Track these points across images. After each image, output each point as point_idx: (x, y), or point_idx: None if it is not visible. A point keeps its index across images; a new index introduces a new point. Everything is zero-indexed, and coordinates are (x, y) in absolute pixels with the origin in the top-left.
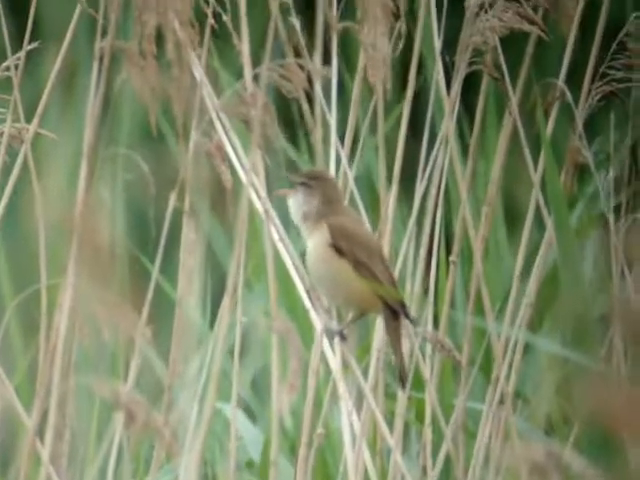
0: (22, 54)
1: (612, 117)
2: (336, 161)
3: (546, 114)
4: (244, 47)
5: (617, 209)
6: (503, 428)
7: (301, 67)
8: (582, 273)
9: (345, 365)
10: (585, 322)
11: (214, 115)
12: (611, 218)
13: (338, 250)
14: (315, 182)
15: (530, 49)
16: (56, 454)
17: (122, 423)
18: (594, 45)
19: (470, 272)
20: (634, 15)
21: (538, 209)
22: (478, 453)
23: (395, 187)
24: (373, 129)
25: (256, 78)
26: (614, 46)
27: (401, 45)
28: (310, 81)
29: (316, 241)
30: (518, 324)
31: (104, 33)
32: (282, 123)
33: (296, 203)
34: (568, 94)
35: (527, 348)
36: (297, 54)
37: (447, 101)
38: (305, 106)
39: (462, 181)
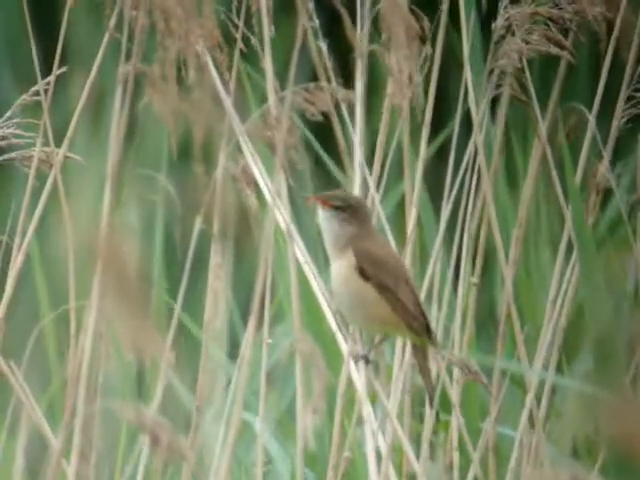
0: (52, 78)
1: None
2: (362, 183)
3: (568, 138)
4: (268, 70)
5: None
6: (533, 453)
7: (324, 90)
8: (606, 298)
9: (371, 389)
10: (610, 347)
11: (240, 139)
12: (634, 241)
13: (363, 274)
14: (352, 209)
15: (560, 73)
16: (82, 476)
17: (147, 446)
18: (627, 68)
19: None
20: None
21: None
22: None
23: (414, 209)
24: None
25: (282, 101)
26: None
27: (426, 68)
28: (337, 104)
29: (341, 264)
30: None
31: (128, 57)
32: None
33: (330, 228)
34: (591, 119)
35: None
36: (325, 77)
37: (475, 122)
38: (337, 129)
39: (489, 202)
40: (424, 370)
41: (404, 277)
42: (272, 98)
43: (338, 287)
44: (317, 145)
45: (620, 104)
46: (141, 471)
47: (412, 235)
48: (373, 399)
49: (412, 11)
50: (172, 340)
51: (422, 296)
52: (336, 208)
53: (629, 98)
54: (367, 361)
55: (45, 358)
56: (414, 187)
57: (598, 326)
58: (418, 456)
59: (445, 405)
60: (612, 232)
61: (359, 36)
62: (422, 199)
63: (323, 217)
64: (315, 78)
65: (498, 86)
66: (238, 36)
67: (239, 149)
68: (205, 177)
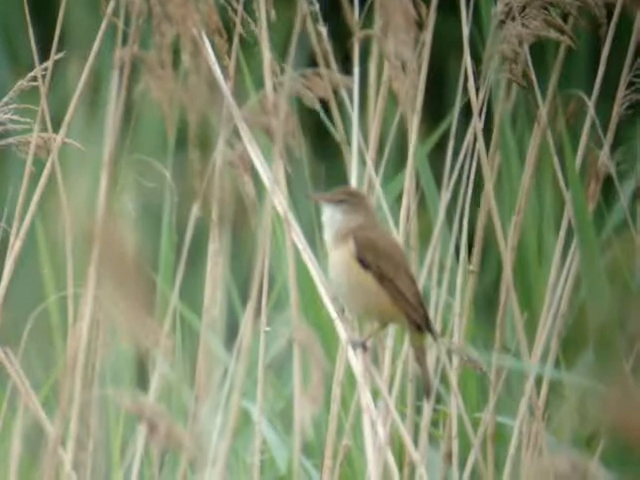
0: (49, 64)
1: (638, 125)
2: (358, 170)
3: (567, 124)
4: (266, 56)
5: None
6: (532, 441)
7: (321, 76)
8: (606, 285)
9: (369, 377)
10: (610, 336)
11: (238, 125)
12: (633, 227)
13: (362, 263)
14: (357, 199)
15: (560, 58)
16: (79, 463)
17: (145, 434)
18: (628, 53)
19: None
20: None
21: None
22: (506, 465)
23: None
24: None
25: (280, 87)
26: None
27: (426, 55)
28: (335, 90)
29: (341, 253)
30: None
31: (125, 42)
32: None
33: (334, 218)
34: (589, 104)
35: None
36: (325, 62)
37: (474, 108)
38: (336, 116)
39: (487, 188)
40: (422, 363)
41: (404, 267)
42: (269, 84)
43: (337, 276)
44: (322, 115)
45: (621, 90)
46: (138, 459)
47: (411, 221)
48: (376, 393)
49: None
50: (170, 328)
51: (421, 284)
52: (340, 201)
53: (630, 84)
54: (365, 348)
55: (43, 345)
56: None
57: (598, 315)
58: (417, 445)
59: (444, 393)
60: (614, 220)
61: (357, 21)
62: (428, 186)
63: (327, 211)
64: (314, 63)
65: (498, 72)
66: (237, 21)
67: (237, 135)
68: (202, 163)
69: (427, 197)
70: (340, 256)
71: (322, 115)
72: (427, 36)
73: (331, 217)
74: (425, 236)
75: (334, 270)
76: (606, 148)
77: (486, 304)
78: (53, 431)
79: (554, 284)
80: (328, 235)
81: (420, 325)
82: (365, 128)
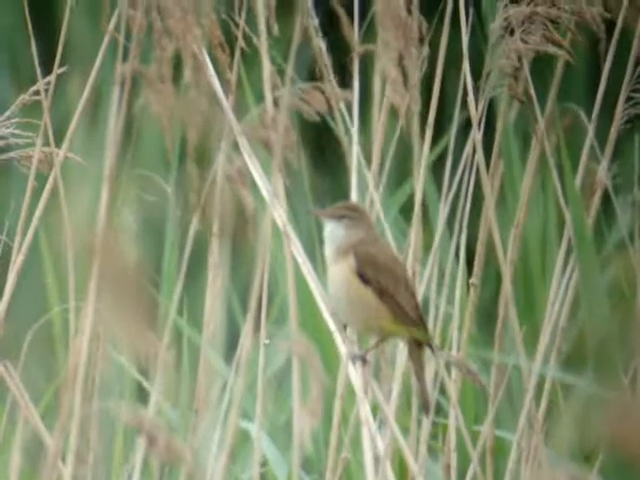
0: (52, 78)
1: (637, 139)
2: (358, 184)
3: (565, 137)
4: (266, 69)
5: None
6: (532, 454)
7: (320, 90)
8: (604, 298)
9: (369, 390)
10: (609, 349)
11: (238, 139)
12: (629, 240)
13: (363, 278)
14: (358, 214)
15: (558, 73)
16: (78, 477)
17: (144, 447)
18: (628, 68)
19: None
20: None
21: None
22: (505, 479)
23: (418, 211)
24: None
25: (279, 101)
26: (639, 69)
27: (424, 69)
28: (331, 104)
29: (341, 267)
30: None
31: (126, 57)
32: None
33: (336, 234)
34: (584, 118)
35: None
36: (325, 75)
37: (474, 123)
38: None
39: (488, 201)
40: (420, 377)
41: (404, 281)
42: (269, 98)
43: (337, 291)
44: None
45: (620, 105)
46: (138, 473)
47: (416, 238)
48: (376, 407)
49: (410, 12)
50: (170, 341)
51: (420, 296)
52: (342, 217)
53: (628, 99)
54: (364, 362)
55: (45, 358)
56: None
57: (597, 330)
58: (416, 458)
59: (445, 404)
60: (614, 236)
61: (356, 36)
62: (431, 199)
63: (328, 226)
64: (314, 77)
65: (497, 86)
66: (239, 35)
67: (237, 149)
68: (201, 178)
69: (430, 210)
70: (340, 271)
71: (332, 125)
72: (440, 52)
73: (333, 232)
74: (428, 248)
75: (334, 285)
76: (605, 163)
77: (486, 318)
78: (53, 444)
79: (554, 298)
80: (329, 250)
81: (419, 339)
82: (368, 142)
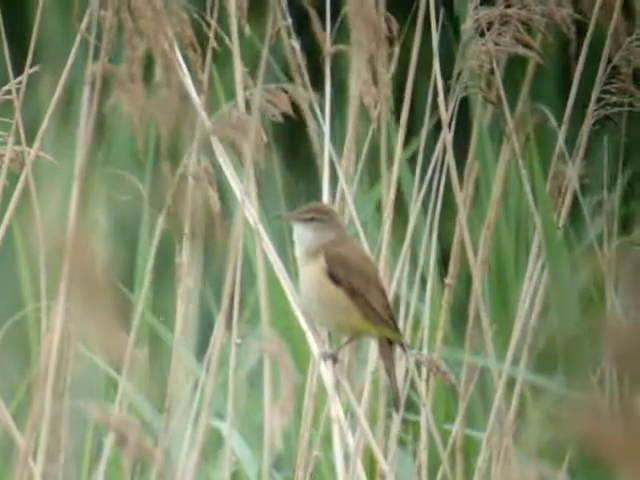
0: (24, 78)
1: (605, 140)
2: (330, 185)
3: (535, 137)
4: (237, 70)
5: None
6: (502, 453)
7: (286, 91)
8: (573, 298)
9: (339, 388)
10: (578, 349)
11: (211, 138)
12: (597, 242)
13: (334, 278)
14: (327, 216)
15: (529, 74)
16: (49, 475)
17: (114, 445)
18: (599, 69)
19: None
20: (628, 40)
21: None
22: (474, 477)
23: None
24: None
25: (247, 101)
26: (609, 70)
27: (393, 69)
28: (299, 104)
29: (312, 268)
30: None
31: (96, 57)
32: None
33: (305, 236)
34: (552, 119)
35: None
36: (298, 76)
37: (444, 123)
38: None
39: (459, 203)
40: (391, 375)
41: (375, 280)
42: (241, 98)
43: (308, 292)
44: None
45: (591, 105)
46: (108, 471)
47: (387, 239)
48: (347, 405)
49: (380, 12)
50: (141, 340)
51: (391, 296)
52: (310, 219)
53: (598, 100)
54: (335, 360)
55: (19, 356)
56: (389, 190)
57: (566, 330)
58: (387, 456)
59: (413, 406)
60: (582, 237)
61: (327, 36)
62: (409, 196)
63: (297, 229)
64: (289, 77)
65: (467, 87)
66: (211, 35)
67: (210, 148)
68: (171, 176)
69: (408, 207)
70: (311, 272)
71: (311, 128)
72: (414, 51)
73: (302, 235)
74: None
75: (305, 286)
76: (577, 162)
77: (459, 317)
78: (23, 443)
79: (524, 297)
80: (299, 252)
81: (390, 338)
82: (341, 142)
